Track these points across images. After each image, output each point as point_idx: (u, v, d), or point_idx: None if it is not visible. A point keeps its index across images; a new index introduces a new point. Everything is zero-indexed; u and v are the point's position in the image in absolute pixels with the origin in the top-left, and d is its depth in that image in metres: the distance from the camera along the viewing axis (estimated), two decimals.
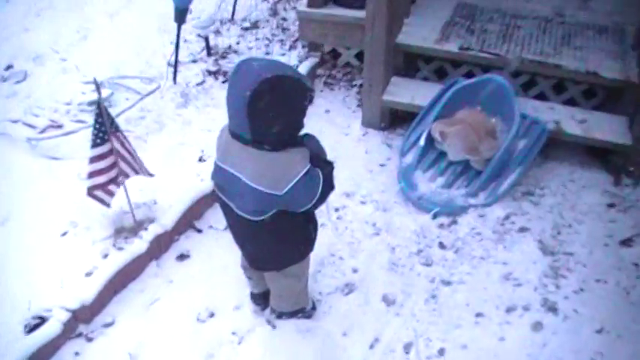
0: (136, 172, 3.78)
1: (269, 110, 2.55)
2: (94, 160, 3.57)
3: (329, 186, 2.86)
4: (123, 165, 3.68)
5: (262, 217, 2.79)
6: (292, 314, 3.48)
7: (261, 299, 3.58)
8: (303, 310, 3.50)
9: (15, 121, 4.80)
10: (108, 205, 3.74)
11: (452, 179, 4.29)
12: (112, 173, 3.65)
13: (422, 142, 4.35)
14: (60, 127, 4.76)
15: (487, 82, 4.39)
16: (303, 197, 2.76)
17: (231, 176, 2.76)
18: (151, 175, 3.88)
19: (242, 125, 2.61)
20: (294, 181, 2.65)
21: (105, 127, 3.48)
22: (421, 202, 4.18)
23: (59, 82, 5.25)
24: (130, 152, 3.69)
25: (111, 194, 3.72)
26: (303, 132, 2.83)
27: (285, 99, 2.58)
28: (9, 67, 5.46)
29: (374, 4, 4.27)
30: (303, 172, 2.66)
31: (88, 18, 6.06)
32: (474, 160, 4.23)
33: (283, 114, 2.61)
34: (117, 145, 3.58)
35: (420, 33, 4.86)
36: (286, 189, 2.65)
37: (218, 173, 2.89)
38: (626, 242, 3.95)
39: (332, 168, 2.91)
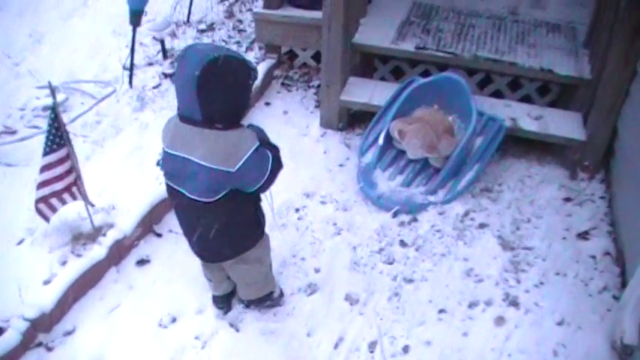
0: (74, 198, 3.73)
1: (218, 88, 2.65)
2: (44, 169, 3.50)
3: (278, 165, 2.94)
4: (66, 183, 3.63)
5: (216, 198, 2.83)
6: (260, 301, 3.49)
7: (223, 302, 3.56)
8: (271, 296, 3.51)
9: None
10: (47, 220, 3.69)
11: (411, 177, 4.31)
12: (63, 183, 3.58)
13: (380, 141, 4.36)
14: (14, 133, 4.68)
15: (444, 81, 4.42)
16: (255, 173, 2.83)
17: (182, 160, 2.80)
18: (92, 205, 3.85)
19: (192, 107, 2.69)
20: (246, 156, 2.74)
21: (60, 133, 3.42)
22: (381, 200, 4.20)
23: (12, 87, 5.15)
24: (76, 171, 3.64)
25: (53, 209, 3.66)
26: (246, 123, 2.95)
27: (232, 77, 2.68)
28: None
29: (330, 4, 4.27)
30: (254, 147, 2.77)
31: (42, 21, 5.97)
32: (432, 158, 4.26)
33: (231, 92, 2.72)
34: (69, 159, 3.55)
35: (376, 33, 4.87)
36: (239, 165, 2.73)
37: (168, 161, 2.90)
38: (583, 235, 4.02)
39: (278, 150, 2.99)
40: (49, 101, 4.88)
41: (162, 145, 2.91)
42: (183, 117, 2.77)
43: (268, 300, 3.52)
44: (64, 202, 3.68)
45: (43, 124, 4.66)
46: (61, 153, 3.50)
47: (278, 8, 5.14)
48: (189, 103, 2.69)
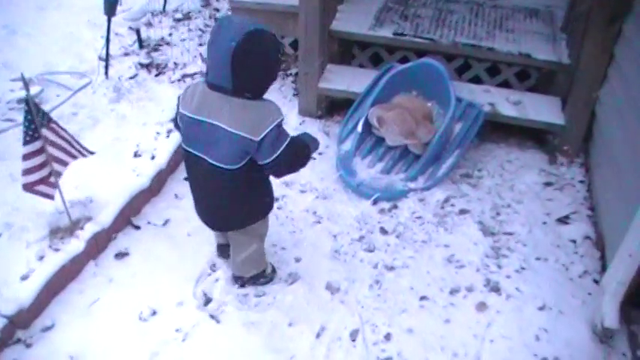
0: (75, 157, 3.67)
1: (252, 60, 2.77)
2: (27, 157, 3.44)
3: (301, 156, 3.12)
4: (60, 154, 3.57)
5: (237, 166, 2.93)
6: (254, 279, 3.58)
7: (227, 251, 3.66)
8: (264, 274, 3.62)
9: None
10: (51, 197, 3.62)
11: (391, 164, 4.30)
12: (46, 170, 3.55)
13: (359, 128, 4.35)
14: None
15: (422, 67, 4.40)
16: (269, 146, 2.89)
17: (208, 126, 2.89)
18: (91, 153, 3.77)
19: (224, 76, 2.79)
20: (269, 127, 2.83)
21: (35, 124, 3.37)
22: (361, 188, 4.18)
23: None
24: (66, 139, 3.58)
25: (52, 186, 3.60)
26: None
27: (265, 50, 2.81)
28: None
29: None
30: (278, 120, 2.87)
31: (17, 13, 5.86)
32: (411, 144, 4.24)
33: (263, 64, 2.83)
34: (52, 137, 3.47)
35: (354, 19, 4.84)
36: (262, 135, 2.83)
37: (191, 126, 2.98)
38: (563, 220, 4.04)
39: (310, 147, 3.20)
40: (24, 93, 4.88)
41: (184, 111, 2.99)
42: (213, 85, 2.87)
43: (262, 277, 3.61)
44: (59, 176, 3.62)
45: (19, 116, 4.59)
46: (39, 144, 3.45)
47: None
48: (221, 72, 2.79)
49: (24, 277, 3.57)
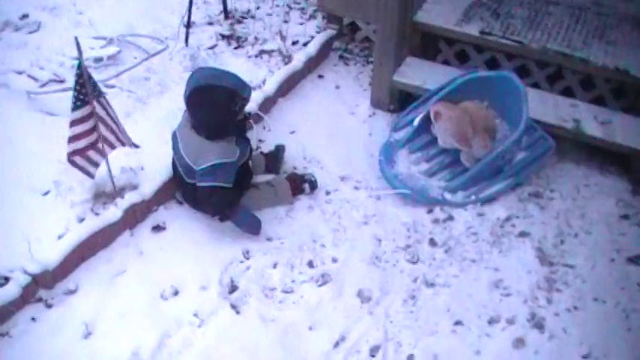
0: (122, 143, 3.65)
1: (198, 110, 3.54)
2: (74, 123, 3.42)
3: (220, 203, 3.64)
4: (107, 134, 3.55)
5: (189, 181, 3.68)
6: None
7: None
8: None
9: (20, 72, 4.68)
10: (92, 175, 3.65)
11: (436, 169, 4.03)
12: (93, 137, 3.51)
13: (416, 122, 4.11)
14: (62, 82, 4.63)
15: (502, 79, 4.04)
16: (207, 179, 3.56)
17: (178, 146, 3.70)
18: (136, 146, 3.78)
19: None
20: (205, 165, 3.54)
21: (85, 89, 3.33)
22: (394, 181, 3.96)
23: (71, 35, 5.02)
24: (114, 120, 3.55)
25: (95, 164, 3.60)
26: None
27: (212, 104, 3.49)
28: (24, 16, 5.33)
29: None
30: (212, 162, 3.51)
31: None
32: (463, 154, 3.94)
33: (210, 115, 3.53)
34: (100, 112, 3.44)
35: (441, 12, 4.50)
36: (200, 168, 3.56)
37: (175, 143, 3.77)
38: (634, 259, 3.63)
39: (228, 205, 3.66)
40: (103, 52, 4.90)
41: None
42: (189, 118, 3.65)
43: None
44: (103, 155, 3.62)
45: (94, 75, 4.61)
46: (88, 109, 3.42)
47: None
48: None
49: (60, 237, 3.58)
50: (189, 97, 3.50)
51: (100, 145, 3.55)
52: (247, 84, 3.65)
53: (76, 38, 3.33)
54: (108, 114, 3.50)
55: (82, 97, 3.35)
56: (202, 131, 3.55)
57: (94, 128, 3.48)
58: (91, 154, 3.56)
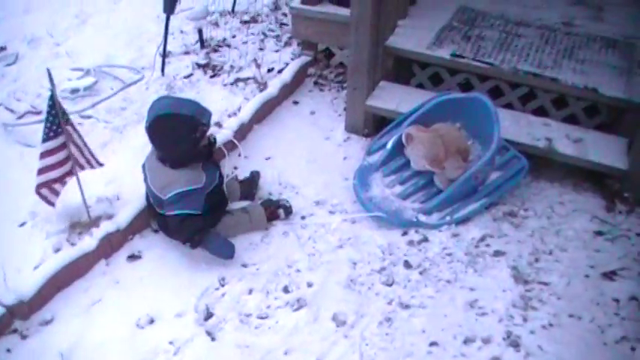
0: (89, 165, 3.68)
1: (159, 139, 3.56)
2: (44, 155, 3.46)
3: (189, 228, 3.59)
4: (77, 155, 3.60)
5: (160, 211, 3.69)
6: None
7: None
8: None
9: None
10: (53, 204, 3.67)
11: (410, 191, 4.04)
12: (64, 169, 3.55)
13: (389, 145, 4.13)
14: (39, 113, 4.68)
15: (473, 101, 4.08)
16: (169, 206, 3.58)
17: (146, 177, 3.73)
18: (100, 164, 3.81)
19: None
20: (171, 193, 3.55)
21: (57, 120, 3.36)
22: (369, 204, 3.98)
23: (49, 66, 5.11)
24: (80, 145, 3.58)
25: (56, 193, 3.63)
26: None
27: (171, 132, 3.50)
28: (2, 48, 5.42)
29: (358, 3, 4.03)
30: (178, 191, 3.54)
31: (90, 3, 5.96)
32: (437, 176, 3.95)
33: (171, 144, 3.55)
34: (71, 133, 3.50)
35: (413, 36, 4.57)
36: (166, 197, 3.57)
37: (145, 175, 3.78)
38: (609, 275, 3.63)
39: (198, 231, 3.61)
40: (79, 84, 4.93)
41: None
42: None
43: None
44: (64, 184, 3.67)
45: (70, 106, 4.65)
46: (60, 140, 3.45)
47: (316, 4, 4.91)
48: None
49: (36, 267, 3.57)
50: (149, 127, 3.49)
51: (67, 179, 3.62)
52: (207, 109, 3.61)
53: (48, 70, 3.38)
54: (79, 136, 3.57)
55: (54, 127, 3.38)
56: (166, 161, 3.57)
57: (66, 159, 3.51)
58: (57, 186, 3.62)
